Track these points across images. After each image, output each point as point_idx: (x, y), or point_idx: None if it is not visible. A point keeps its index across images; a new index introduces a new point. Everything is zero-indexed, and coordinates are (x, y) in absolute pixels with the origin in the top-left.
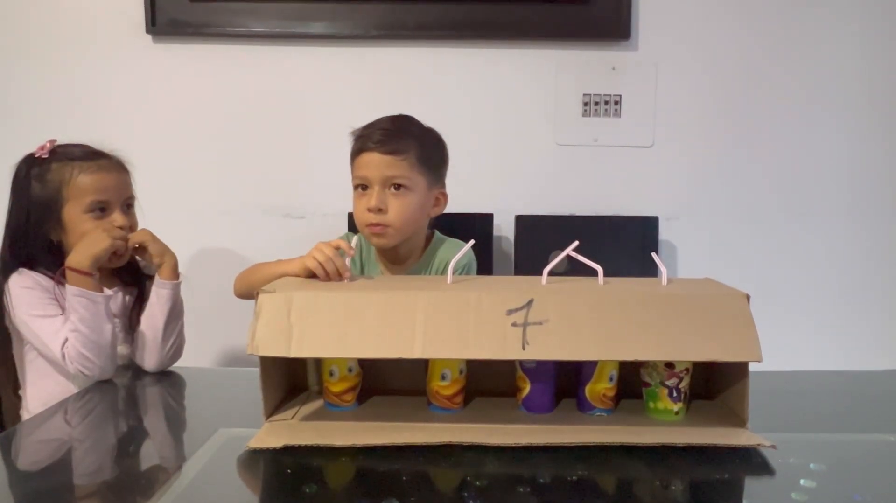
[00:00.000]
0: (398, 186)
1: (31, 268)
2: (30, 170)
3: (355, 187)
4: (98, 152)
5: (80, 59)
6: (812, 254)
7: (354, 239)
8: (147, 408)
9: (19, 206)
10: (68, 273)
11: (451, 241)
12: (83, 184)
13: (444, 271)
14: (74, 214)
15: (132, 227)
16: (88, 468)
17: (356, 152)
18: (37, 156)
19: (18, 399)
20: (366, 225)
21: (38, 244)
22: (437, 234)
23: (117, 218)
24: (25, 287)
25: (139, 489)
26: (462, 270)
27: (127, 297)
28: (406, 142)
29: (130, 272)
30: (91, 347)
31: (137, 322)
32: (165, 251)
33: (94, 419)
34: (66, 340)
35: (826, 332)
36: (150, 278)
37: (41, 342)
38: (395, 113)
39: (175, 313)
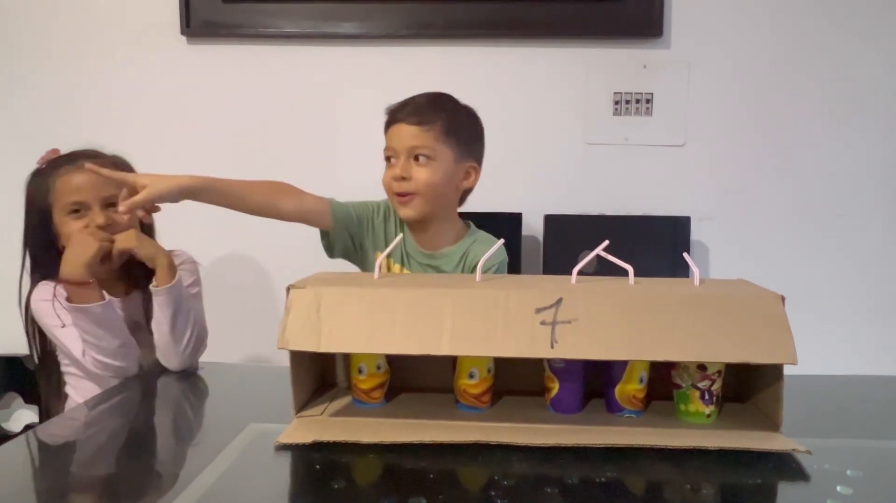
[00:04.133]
0: (423, 157)
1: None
2: (32, 182)
3: (385, 159)
4: (83, 153)
5: (115, 61)
6: (847, 256)
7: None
8: (179, 403)
9: (27, 221)
10: (64, 286)
11: (485, 236)
12: (62, 186)
13: (475, 266)
14: (59, 218)
15: (123, 226)
16: (120, 462)
17: (387, 125)
18: (37, 167)
19: (63, 399)
20: (392, 194)
21: (49, 254)
22: (472, 226)
23: (96, 217)
24: (44, 300)
25: (170, 482)
26: (494, 268)
27: (144, 298)
28: (433, 114)
29: (147, 274)
30: (104, 353)
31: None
32: (156, 253)
33: (126, 414)
34: (84, 349)
35: (862, 335)
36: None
37: (67, 349)
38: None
39: (181, 312)
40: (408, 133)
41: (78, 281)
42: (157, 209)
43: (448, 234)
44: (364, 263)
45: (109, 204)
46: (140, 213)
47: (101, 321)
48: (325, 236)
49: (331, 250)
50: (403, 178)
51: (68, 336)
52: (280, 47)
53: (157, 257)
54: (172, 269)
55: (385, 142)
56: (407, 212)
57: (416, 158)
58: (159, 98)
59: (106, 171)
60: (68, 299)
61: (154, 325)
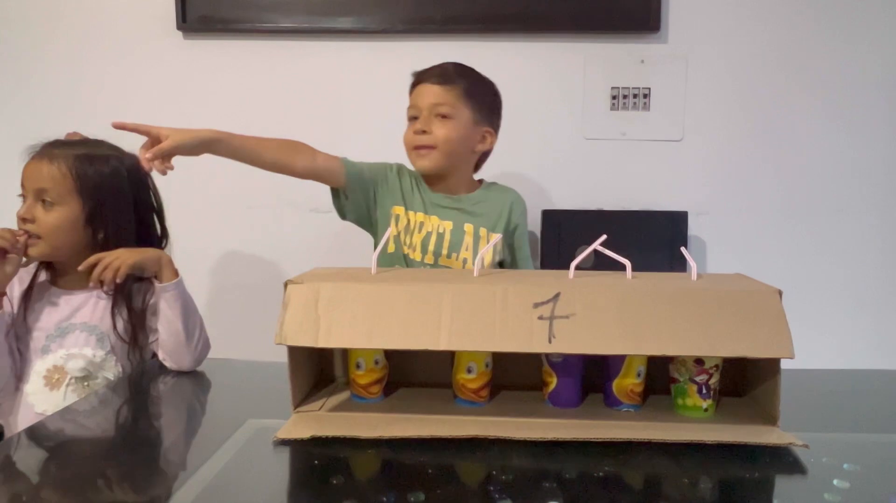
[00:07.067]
0: (444, 116)
1: None
2: None
3: (409, 119)
4: (57, 141)
5: (111, 57)
6: (844, 251)
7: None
8: (178, 399)
9: None
10: None
11: (502, 185)
12: (23, 171)
13: (488, 206)
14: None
15: (45, 226)
16: (119, 457)
17: (412, 87)
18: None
19: None
20: (412, 147)
21: None
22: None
23: (20, 209)
24: None
25: (169, 478)
26: (519, 220)
27: (101, 302)
28: (456, 77)
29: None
30: None
31: (119, 325)
32: (159, 256)
33: (126, 410)
34: None
35: (859, 330)
36: (139, 279)
37: None
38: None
39: (190, 309)
40: (431, 91)
41: None
42: (171, 167)
43: (464, 185)
44: (376, 229)
45: (42, 200)
46: (159, 166)
47: None
48: (338, 197)
49: (343, 212)
50: (424, 132)
51: None
52: (277, 42)
53: (160, 257)
54: (174, 268)
55: (409, 102)
56: (423, 163)
57: (438, 116)
58: (155, 93)
59: (131, 124)
60: None
61: (164, 327)
